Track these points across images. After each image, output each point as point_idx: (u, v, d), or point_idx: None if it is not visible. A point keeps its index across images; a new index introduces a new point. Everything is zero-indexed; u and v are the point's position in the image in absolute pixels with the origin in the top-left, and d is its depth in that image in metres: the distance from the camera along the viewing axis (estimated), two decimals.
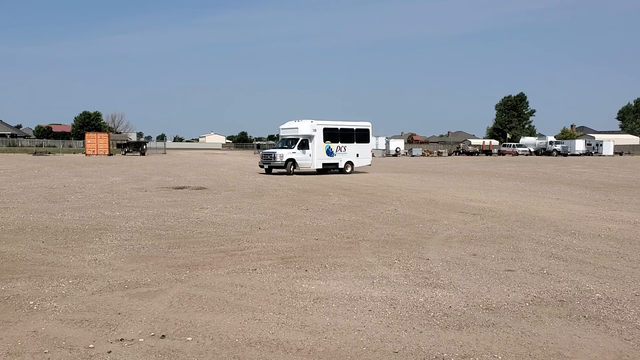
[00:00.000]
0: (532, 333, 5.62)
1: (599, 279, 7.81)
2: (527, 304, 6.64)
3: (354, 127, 33.80)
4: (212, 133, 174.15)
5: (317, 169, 32.05)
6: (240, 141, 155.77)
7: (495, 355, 5.02)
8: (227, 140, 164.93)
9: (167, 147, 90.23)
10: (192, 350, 5.06)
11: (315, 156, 31.55)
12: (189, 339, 5.35)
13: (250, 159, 59.02)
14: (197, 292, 6.94)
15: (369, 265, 8.50)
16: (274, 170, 31.16)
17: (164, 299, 6.63)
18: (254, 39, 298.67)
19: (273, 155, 30.38)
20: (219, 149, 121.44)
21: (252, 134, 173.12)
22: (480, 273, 8.13)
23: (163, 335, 5.41)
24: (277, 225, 12.34)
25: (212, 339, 5.35)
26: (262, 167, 31.51)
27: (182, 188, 21.41)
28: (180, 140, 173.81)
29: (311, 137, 31.41)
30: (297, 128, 31.51)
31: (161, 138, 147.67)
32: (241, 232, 11.37)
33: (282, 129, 33.01)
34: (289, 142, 31.76)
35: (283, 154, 30.43)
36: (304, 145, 31.21)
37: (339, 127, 32.93)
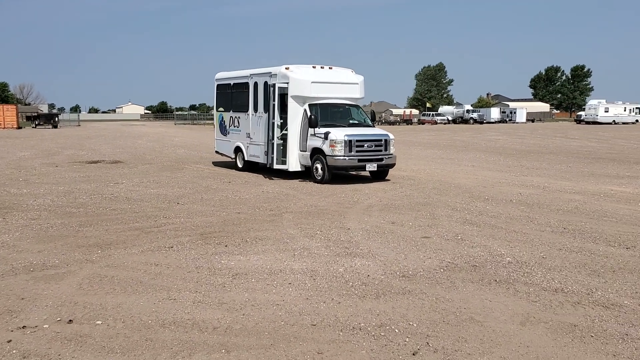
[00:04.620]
0: (446, 299, 5.77)
1: (510, 243, 8.15)
2: (442, 270, 6.81)
3: None
4: (129, 103, 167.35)
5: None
6: (160, 111, 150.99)
7: (411, 323, 5.11)
8: (146, 111, 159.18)
9: (81, 118, 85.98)
10: (101, 335, 4.82)
11: None
12: (99, 322, 5.09)
13: (170, 129, 57.37)
14: (108, 272, 6.63)
15: (291, 238, 8.45)
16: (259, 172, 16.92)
17: (72, 282, 6.28)
18: (173, 5, 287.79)
19: (385, 142, 14.87)
20: (138, 120, 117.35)
21: (172, 103, 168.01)
22: (398, 241, 8.28)
23: (70, 320, 5.13)
24: (197, 199, 12.03)
25: (124, 321, 5.13)
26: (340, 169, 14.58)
27: (96, 162, 20.47)
28: (96, 111, 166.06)
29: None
30: (355, 84, 16.17)
31: (75, 109, 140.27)
32: (158, 207, 10.99)
33: (312, 83, 15.21)
34: (346, 115, 16.03)
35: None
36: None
37: None
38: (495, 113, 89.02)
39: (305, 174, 15.38)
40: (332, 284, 6.25)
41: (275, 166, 15.27)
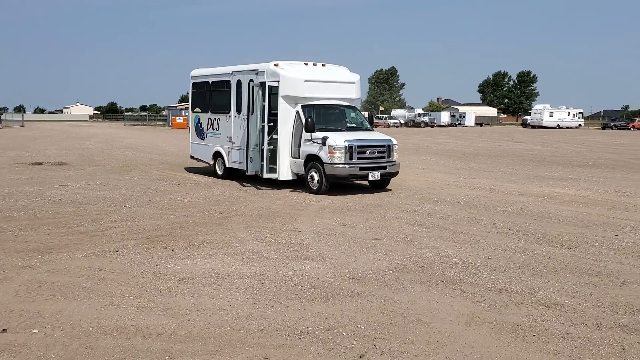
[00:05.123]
0: (394, 300, 5.81)
1: (457, 244, 8.28)
2: (391, 271, 6.86)
3: None
4: (78, 104, 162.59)
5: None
6: (110, 112, 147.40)
7: (359, 325, 5.11)
8: (95, 112, 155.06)
9: (26, 119, 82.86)
10: (37, 344, 4.62)
11: None
12: (35, 331, 4.89)
13: (119, 130, 56.03)
14: (48, 278, 6.38)
15: (240, 241, 8.34)
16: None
17: (9, 288, 6.01)
18: (123, 4, 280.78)
19: (388, 148, 13.75)
20: (86, 121, 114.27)
21: (122, 104, 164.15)
22: (349, 243, 8.29)
23: (4, 329, 4.90)
24: (145, 202, 11.76)
25: (63, 329, 4.93)
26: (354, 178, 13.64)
27: (40, 164, 19.75)
28: (42, 111, 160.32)
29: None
30: (352, 83, 14.87)
31: (19, 109, 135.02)
32: (104, 210, 10.68)
33: (306, 81, 13.76)
34: (342, 117, 14.75)
35: None
36: None
37: None
38: (445, 117, 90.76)
39: (297, 183, 14.02)
40: (280, 287, 6.19)
41: (265, 175, 13.60)
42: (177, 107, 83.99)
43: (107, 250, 7.66)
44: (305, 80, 13.72)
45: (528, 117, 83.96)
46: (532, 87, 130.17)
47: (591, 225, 9.79)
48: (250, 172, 14.08)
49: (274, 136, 13.64)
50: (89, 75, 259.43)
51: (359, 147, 12.97)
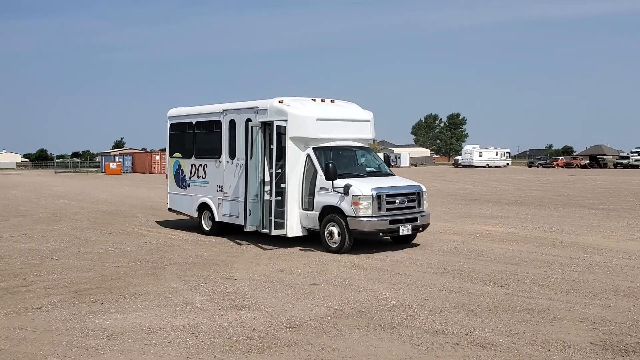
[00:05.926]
0: (332, 348, 5.72)
1: (394, 286, 8.32)
2: (329, 317, 6.79)
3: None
4: (4, 151, 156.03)
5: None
6: (39, 159, 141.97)
7: None
8: (24, 159, 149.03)
9: None
10: None
11: None
12: None
13: (50, 178, 53.90)
14: None
15: (173, 292, 8.07)
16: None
17: None
18: (55, 50, 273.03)
19: (418, 196, 11.82)
20: (13, 169, 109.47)
21: (53, 151, 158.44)
22: (286, 289, 8.18)
23: None
24: (74, 253, 11.25)
25: None
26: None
27: None
28: None
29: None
30: (367, 121, 13.17)
31: None
32: (28, 264, 10.13)
33: (318, 120, 11.98)
34: (358, 161, 12.97)
35: None
36: None
37: None
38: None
39: (309, 240, 11.94)
40: (215, 340, 5.99)
41: (274, 232, 11.46)
42: (111, 153, 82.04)
43: (30, 307, 7.23)
44: (317, 119, 11.96)
45: (459, 157, 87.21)
46: (462, 129, 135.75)
47: (522, 262, 10.09)
48: (249, 227, 11.98)
49: (281, 185, 11.77)
50: (16, 122, 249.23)
51: (387, 195, 11.10)
